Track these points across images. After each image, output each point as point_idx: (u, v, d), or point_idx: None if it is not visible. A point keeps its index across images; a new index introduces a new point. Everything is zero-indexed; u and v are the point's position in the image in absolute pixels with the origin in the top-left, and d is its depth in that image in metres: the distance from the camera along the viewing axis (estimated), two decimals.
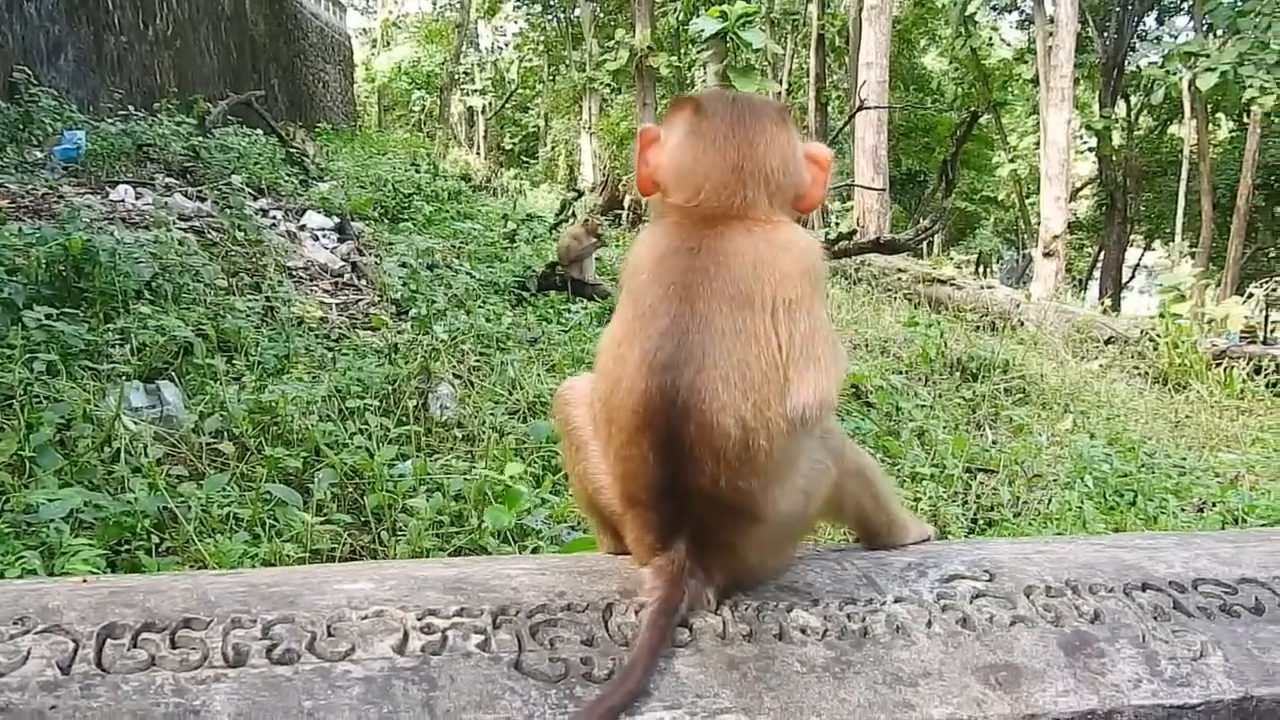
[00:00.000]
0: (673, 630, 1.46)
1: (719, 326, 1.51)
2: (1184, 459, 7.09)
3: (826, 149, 1.75)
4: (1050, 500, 5.43)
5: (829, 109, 30.89)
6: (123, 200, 8.63)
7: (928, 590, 1.58)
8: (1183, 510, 5.58)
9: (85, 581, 1.41)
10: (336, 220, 10.11)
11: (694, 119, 1.68)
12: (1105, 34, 31.23)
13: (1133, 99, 32.81)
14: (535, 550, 3.66)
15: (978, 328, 12.05)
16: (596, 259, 10.06)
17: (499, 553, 3.62)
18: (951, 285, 14.01)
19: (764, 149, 1.65)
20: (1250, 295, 18.60)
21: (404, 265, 8.77)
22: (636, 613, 1.46)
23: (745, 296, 1.53)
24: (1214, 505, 5.73)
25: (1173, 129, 33.59)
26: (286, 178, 12.09)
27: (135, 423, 4.20)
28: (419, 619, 1.35)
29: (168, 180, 10.02)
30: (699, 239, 1.58)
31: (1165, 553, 1.76)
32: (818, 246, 1.68)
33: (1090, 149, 35.35)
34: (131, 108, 12.85)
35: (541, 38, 39.17)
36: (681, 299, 1.53)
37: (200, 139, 12.07)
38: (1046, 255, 20.46)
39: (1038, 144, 25.55)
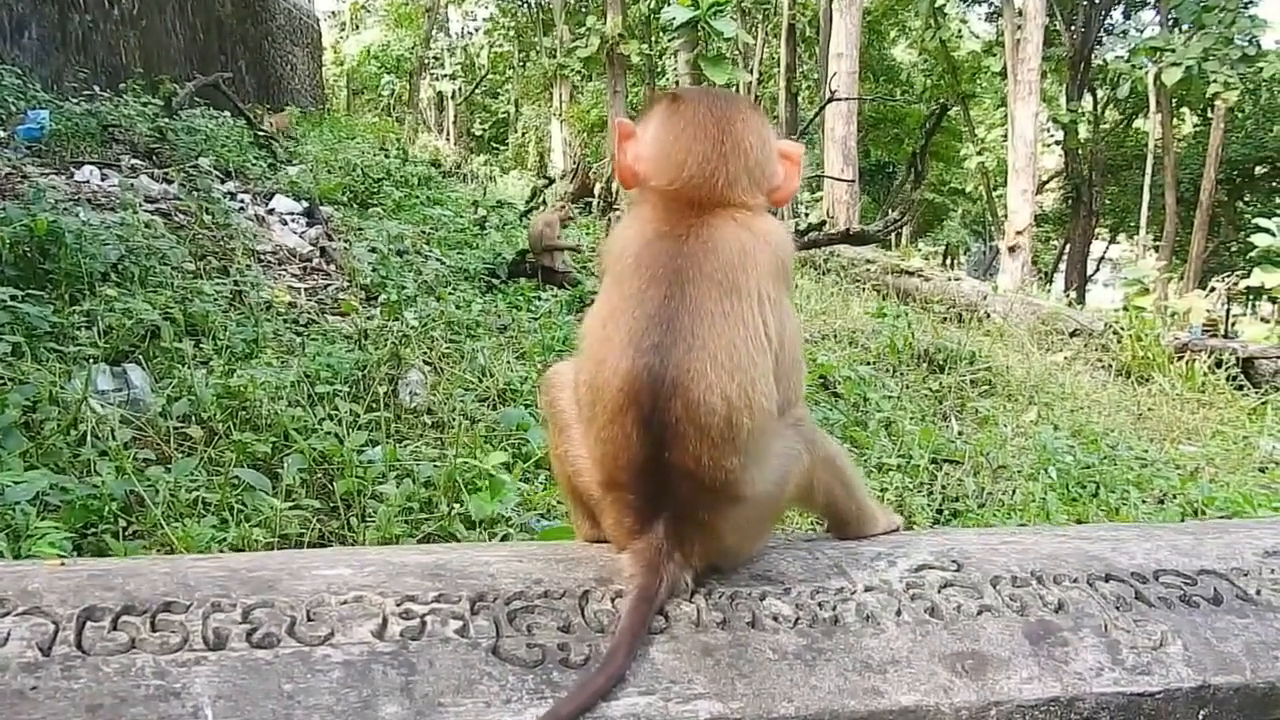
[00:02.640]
0: (653, 616, 1.49)
1: (708, 310, 1.56)
2: (1146, 451, 7.18)
3: (798, 145, 1.81)
4: (1014, 491, 5.49)
5: (799, 99, 30.95)
6: (88, 181, 8.54)
7: (897, 579, 1.62)
8: (1144, 502, 5.66)
9: (64, 565, 1.41)
10: (305, 204, 10.04)
11: (672, 105, 1.73)
12: (1073, 28, 31.49)
13: (1099, 93, 33.16)
14: (505, 538, 3.68)
15: (945, 319, 12.15)
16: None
17: (469, 540, 3.64)
18: (919, 277, 14.10)
19: (742, 128, 1.70)
20: (1212, 289, 18.80)
21: (373, 251, 8.72)
22: (613, 600, 1.48)
23: (732, 283, 1.59)
24: (1174, 497, 5.82)
25: (1138, 123, 33.95)
26: (254, 161, 11.98)
27: (102, 406, 4.17)
28: (398, 604, 1.37)
29: (133, 162, 9.90)
30: (685, 226, 1.63)
31: (1128, 544, 1.80)
32: (790, 238, 1.75)
33: (1057, 142, 35.68)
34: (96, 87, 12.66)
35: (512, 23, 38.92)
36: (671, 283, 1.57)
37: (166, 120, 11.93)
38: (1011, 249, 20.64)
39: (1005, 137, 25.75)
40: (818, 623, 1.51)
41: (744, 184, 1.68)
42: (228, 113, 13.96)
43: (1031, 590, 1.62)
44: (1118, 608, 1.61)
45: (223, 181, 9.92)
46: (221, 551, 3.34)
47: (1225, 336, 13.87)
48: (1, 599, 1.28)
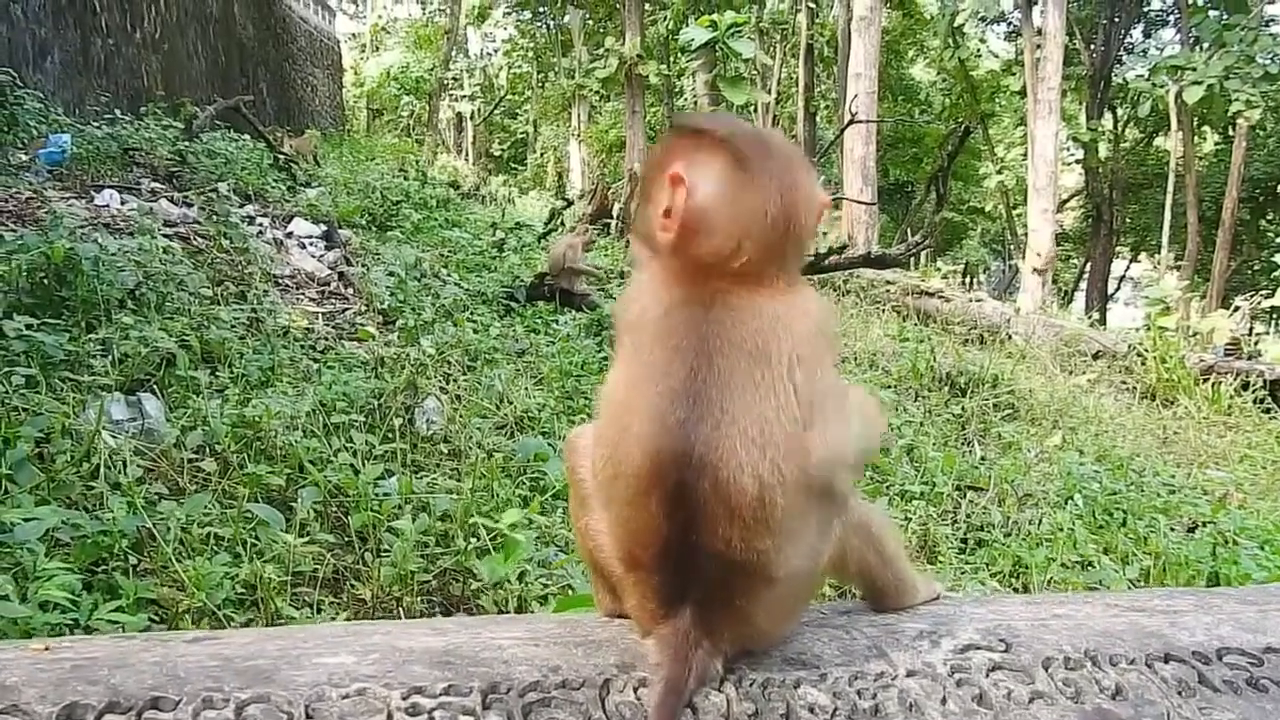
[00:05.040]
0: (681, 711, 1.37)
1: (738, 383, 1.44)
2: (1172, 477, 7.08)
3: (826, 196, 1.66)
4: (1040, 520, 5.39)
5: (817, 119, 30.94)
6: (108, 205, 8.54)
7: (941, 662, 1.49)
8: (1172, 530, 5.55)
9: (48, 650, 1.32)
10: (324, 228, 10.03)
11: (736, 166, 1.53)
12: (1092, 46, 31.44)
13: (1119, 111, 33.05)
14: (522, 575, 3.60)
15: (966, 341, 12.05)
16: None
17: (482, 567, 3.56)
18: (940, 298, 13.99)
19: (804, 207, 1.55)
20: (1236, 308, 18.60)
21: (391, 274, 8.68)
22: (635, 690, 1.37)
23: (763, 352, 1.46)
24: (1205, 525, 5.72)
25: (1159, 141, 33.83)
26: (274, 184, 11.99)
27: (114, 437, 4.12)
28: (404, 698, 1.24)
29: (154, 185, 9.93)
30: (710, 293, 1.50)
31: (1186, 618, 1.67)
32: (831, 308, 1.63)
33: (1077, 161, 35.59)
34: (118, 111, 12.73)
35: (531, 44, 39.16)
36: (698, 353, 1.45)
37: (187, 143, 11.98)
38: (1037, 272, 20.51)
39: (1025, 155, 25.66)
40: (857, 714, 1.39)
41: (791, 260, 1.56)
42: (248, 135, 14.01)
43: (1086, 673, 1.49)
44: (1180, 693, 1.48)
45: (242, 205, 9.92)
46: (233, 588, 3.28)
47: (1249, 357, 13.69)
48: None
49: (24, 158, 9.92)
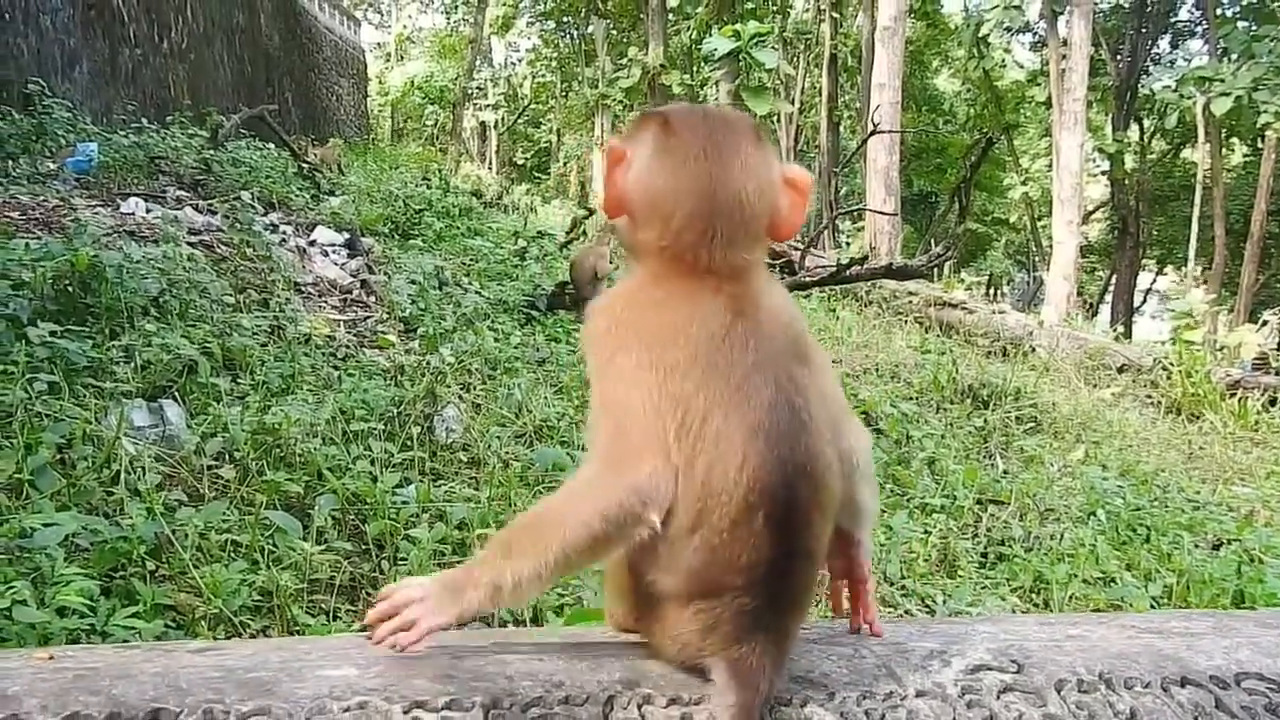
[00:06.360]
0: None
1: (803, 384, 1.42)
2: (1197, 493, 7.01)
3: (806, 172, 1.56)
4: (1062, 536, 5.34)
5: (841, 128, 30.89)
6: (133, 213, 8.61)
7: (951, 682, 1.45)
8: (1197, 547, 5.49)
9: (52, 659, 1.32)
10: (347, 236, 10.07)
11: (662, 136, 1.48)
12: (1119, 57, 31.30)
13: (1146, 122, 32.87)
14: None
15: (989, 353, 11.96)
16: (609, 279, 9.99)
17: None
18: (963, 309, 13.89)
19: (739, 171, 1.46)
20: (1264, 323, 18.40)
21: (413, 283, 8.71)
22: (640, 707, 1.34)
23: (803, 353, 1.46)
24: (1230, 542, 5.65)
25: (1186, 153, 33.62)
26: (298, 192, 12.06)
27: (135, 444, 4.14)
28: (405, 712, 1.22)
29: (179, 193, 10.01)
30: (727, 296, 1.43)
31: (1203, 640, 1.64)
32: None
33: (1103, 172, 35.38)
34: (145, 120, 12.88)
35: (554, 54, 39.35)
36: (766, 362, 1.39)
37: (212, 152, 12.07)
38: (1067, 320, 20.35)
39: (1050, 166, 25.56)
40: None
41: (741, 241, 1.46)
42: (272, 144, 14.12)
43: (1100, 697, 1.45)
44: (1196, 718, 1.45)
45: (266, 213, 9.98)
46: (249, 596, 3.29)
47: (1277, 372, 13.55)
48: None
49: (52, 166, 10.03)
